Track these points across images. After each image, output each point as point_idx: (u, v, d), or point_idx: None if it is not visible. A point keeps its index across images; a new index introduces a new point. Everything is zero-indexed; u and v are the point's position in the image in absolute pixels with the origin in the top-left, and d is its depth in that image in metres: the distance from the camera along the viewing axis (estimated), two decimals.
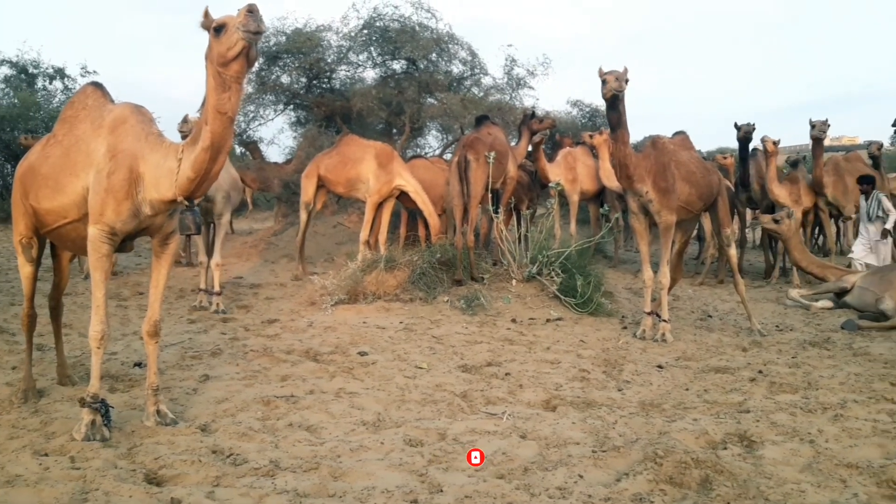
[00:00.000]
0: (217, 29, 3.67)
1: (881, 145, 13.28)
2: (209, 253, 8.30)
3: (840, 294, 8.54)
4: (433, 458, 3.72)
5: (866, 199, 10.22)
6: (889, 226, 9.82)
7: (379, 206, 9.60)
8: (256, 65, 14.13)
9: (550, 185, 10.68)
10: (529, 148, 10.47)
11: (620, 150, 6.55)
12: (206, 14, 3.73)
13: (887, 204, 9.97)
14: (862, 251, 10.13)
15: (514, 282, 8.35)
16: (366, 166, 9.34)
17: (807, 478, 3.46)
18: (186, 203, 3.97)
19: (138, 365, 5.40)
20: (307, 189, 9.88)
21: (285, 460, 3.64)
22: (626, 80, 6.26)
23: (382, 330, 6.83)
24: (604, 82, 6.25)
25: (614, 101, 6.36)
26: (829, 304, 8.61)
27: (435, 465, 3.65)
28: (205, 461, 3.55)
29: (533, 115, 10.47)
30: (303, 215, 10.02)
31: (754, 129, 10.39)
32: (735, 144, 11.24)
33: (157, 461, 3.55)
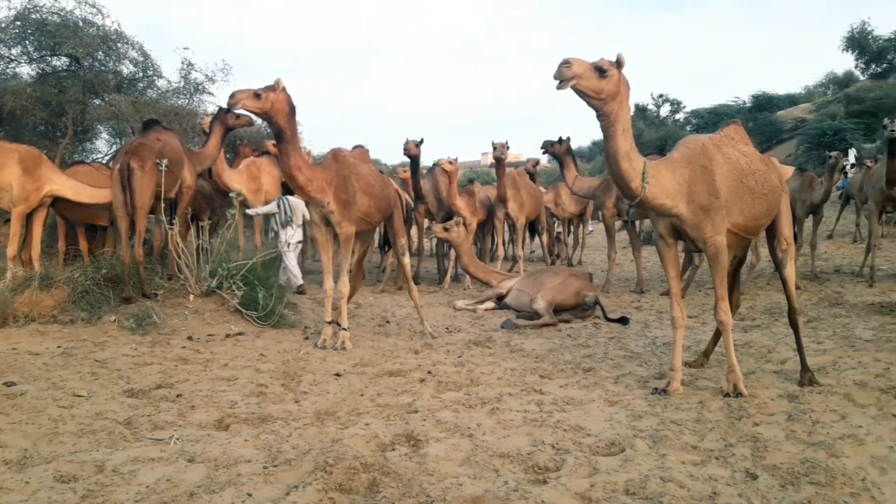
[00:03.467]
0: None
1: (537, 162, 15.00)
2: None
3: (501, 297, 9.49)
4: (87, 494, 3.39)
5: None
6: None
7: (28, 217, 8.47)
8: None
9: (232, 194, 10.31)
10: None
11: (286, 162, 6.51)
12: None
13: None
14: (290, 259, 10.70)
15: (191, 297, 7.95)
16: (8, 172, 8.11)
17: (465, 471, 3.73)
18: None
19: None
20: None
21: None
22: (259, 96, 6.05)
23: (36, 356, 6.06)
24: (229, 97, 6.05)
25: (266, 117, 6.27)
26: (492, 305, 9.51)
27: (89, 500, 3.33)
28: None
29: (228, 109, 9.89)
30: None
31: (420, 144, 11.01)
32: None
33: None
